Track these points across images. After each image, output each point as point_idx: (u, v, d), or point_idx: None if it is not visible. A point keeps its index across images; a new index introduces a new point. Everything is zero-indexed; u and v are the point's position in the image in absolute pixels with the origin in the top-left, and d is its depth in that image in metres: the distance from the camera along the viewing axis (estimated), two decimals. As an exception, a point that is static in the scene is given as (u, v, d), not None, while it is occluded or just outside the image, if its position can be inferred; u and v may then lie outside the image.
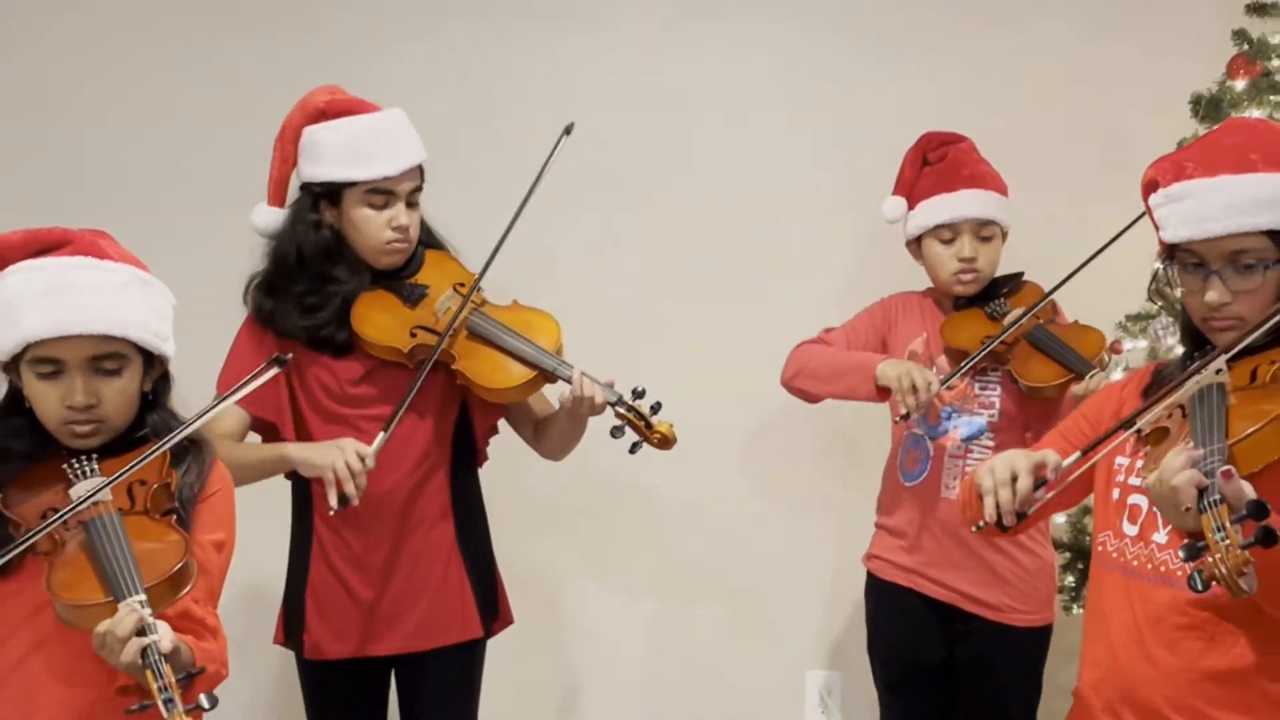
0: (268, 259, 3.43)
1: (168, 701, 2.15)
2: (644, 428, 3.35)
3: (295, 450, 3.30)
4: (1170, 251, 2.56)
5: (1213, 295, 2.47)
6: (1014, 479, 2.50)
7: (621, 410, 3.35)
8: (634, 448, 3.38)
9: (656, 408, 3.36)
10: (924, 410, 3.65)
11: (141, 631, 2.21)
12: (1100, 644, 2.60)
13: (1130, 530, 2.55)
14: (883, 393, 3.69)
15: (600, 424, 3.41)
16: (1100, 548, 2.65)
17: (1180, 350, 3.78)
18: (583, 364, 3.38)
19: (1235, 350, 2.44)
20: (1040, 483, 2.50)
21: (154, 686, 2.16)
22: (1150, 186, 2.60)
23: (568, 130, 3.45)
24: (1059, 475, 2.53)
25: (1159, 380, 2.60)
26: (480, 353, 3.39)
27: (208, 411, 2.61)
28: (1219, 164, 2.47)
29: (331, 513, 3.21)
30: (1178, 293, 3.86)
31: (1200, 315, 2.53)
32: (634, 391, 3.37)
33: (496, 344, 3.40)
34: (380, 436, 3.26)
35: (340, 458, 3.18)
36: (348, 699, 3.53)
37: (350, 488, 3.18)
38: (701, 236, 4.61)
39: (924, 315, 3.93)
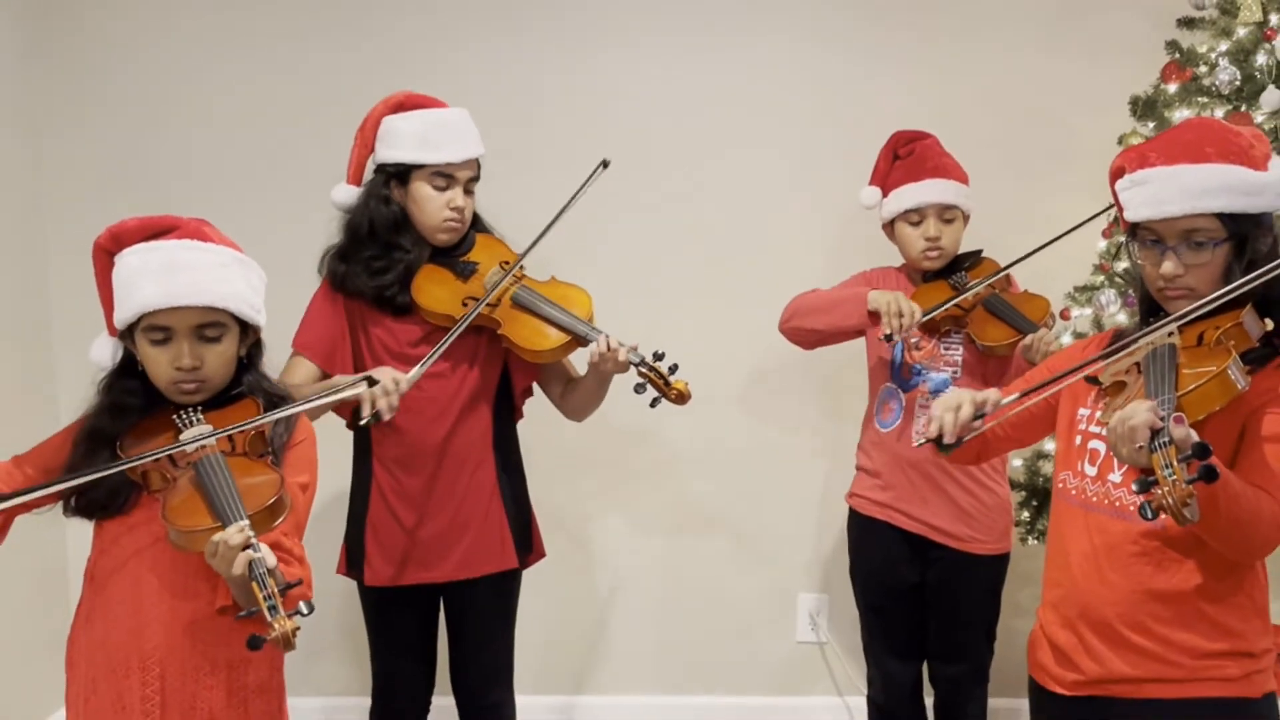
0: (343, 231, 3.45)
1: (272, 608, 2.19)
2: (663, 385, 3.33)
3: (344, 376, 3.29)
4: (1132, 229, 2.57)
5: (1168, 267, 2.48)
6: (959, 408, 2.60)
7: (644, 370, 3.34)
8: (654, 403, 3.36)
9: (674, 368, 3.35)
10: (905, 335, 3.65)
11: (248, 549, 2.25)
12: (1060, 568, 2.63)
13: (1090, 470, 2.57)
14: (873, 317, 3.70)
15: (623, 383, 3.41)
16: (1061, 485, 2.67)
17: (1122, 318, 3.88)
18: (610, 330, 3.38)
19: (1187, 317, 2.45)
20: (979, 415, 2.59)
21: (259, 595, 2.20)
22: (1117, 172, 2.61)
23: (604, 164, 3.47)
24: (996, 410, 2.62)
25: (1118, 341, 2.62)
26: (522, 319, 3.40)
27: (309, 401, 2.68)
28: (1178, 155, 2.48)
29: (361, 423, 3.15)
30: (1120, 267, 3.92)
31: (1156, 285, 2.54)
32: (655, 354, 3.35)
33: (536, 312, 3.40)
34: (416, 369, 3.25)
35: (380, 379, 3.15)
36: (403, 620, 3.53)
37: (383, 404, 3.14)
38: (710, 220, 4.62)
39: (899, 287, 3.92)
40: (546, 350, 3.40)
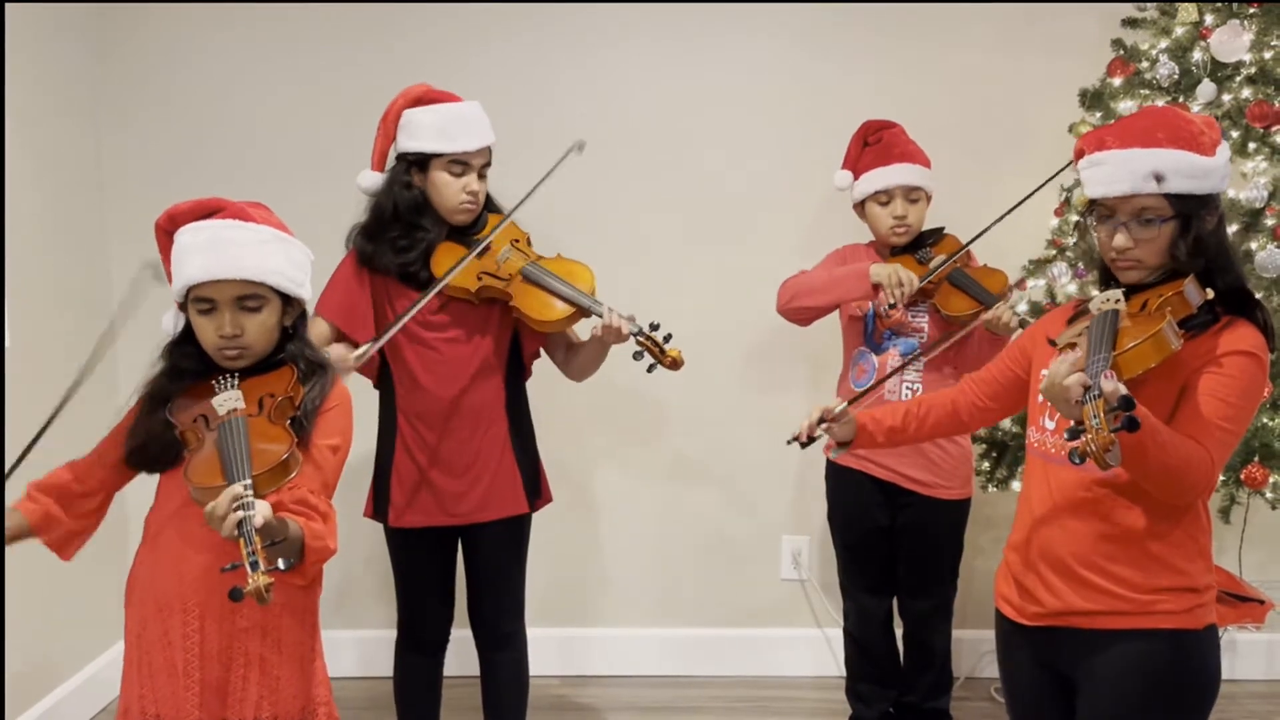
0: (369, 212, 3.41)
1: (253, 564, 2.11)
2: (658, 353, 3.32)
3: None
4: (1091, 205, 2.54)
5: (1119, 240, 2.45)
6: (810, 415, 2.89)
7: (641, 339, 3.32)
8: (650, 368, 3.34)
9: (668, 337, 3.33)
10: (906, 300, 3.64)
11: (240, 508, 2.17)
12: (1024, 512, 2.61)
13: (1049, 425, 2.56)
14: (875, 289, 3.68)
15: (623, 350, 3.39)
16: (1028, 438, 2.66)
17: (1073, 289, 3.87)
18: (611, 302, 3.35)
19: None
20: (823, 420, 2.89)
21: (243, 551, 2.13)
22: (1079, 153, 2.56)
23: (579, 147, 3.41)
24: (835, 416, 2.88)
25: (1082, 309, 2.59)
26: (531, 293, 3.37)
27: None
28: (1131, 139, 2.44)
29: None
30: (1070, 242, 3.87)
31: (1109, 256, 2.51)
32: (651, 324, 3.33)
33: (544, 286, 3.37)
34: (365, 346, 3.22)
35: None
36: (424, 559, 3.50)
37: None
38: (700, 201, 4.57)
39: (869, 261, 3.89)
40: (553, 321, 3.37)
